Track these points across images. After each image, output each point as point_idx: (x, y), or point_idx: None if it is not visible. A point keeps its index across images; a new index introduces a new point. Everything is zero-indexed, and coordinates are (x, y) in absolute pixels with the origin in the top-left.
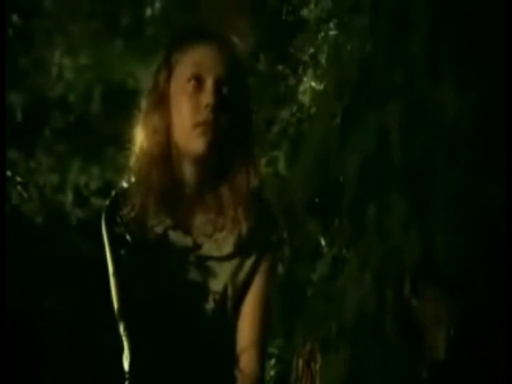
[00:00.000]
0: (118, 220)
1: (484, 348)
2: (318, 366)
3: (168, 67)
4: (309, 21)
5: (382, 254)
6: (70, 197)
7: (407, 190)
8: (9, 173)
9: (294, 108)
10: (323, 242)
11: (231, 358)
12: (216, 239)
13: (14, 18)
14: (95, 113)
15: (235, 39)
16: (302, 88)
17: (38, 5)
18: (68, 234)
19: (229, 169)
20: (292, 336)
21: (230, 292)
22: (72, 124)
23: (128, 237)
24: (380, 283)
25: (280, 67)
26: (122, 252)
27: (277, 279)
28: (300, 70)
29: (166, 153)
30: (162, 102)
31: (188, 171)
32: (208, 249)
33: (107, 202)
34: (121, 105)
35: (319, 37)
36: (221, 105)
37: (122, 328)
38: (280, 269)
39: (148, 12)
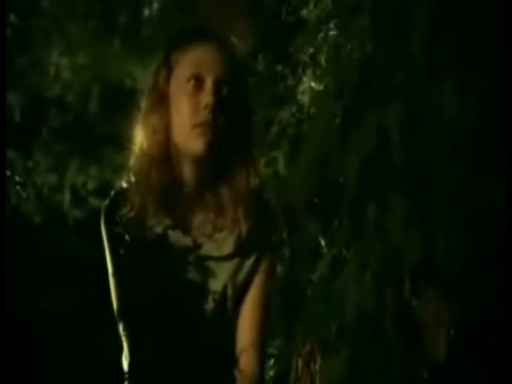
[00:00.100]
0: (118, 220)
1: (484, 348)
2: (317, 367)
3: (168, 67)
4: (308, 21)
5: (382, 254)
6: (67, 197)
7: (407, 190)
8: (8, 172)
9: (294, 108)
10: (323, 242)
11: (231, 358)
12: (216, 239)
13: (12, 17)
14: (93, 113)
15: (233, 39)
16: (301, 88)
17: (36, 4)
18: (65, 234)
19: (228, 169)
20: (292, 336)
21: (229, 292)
22: (70, 124)
23: (127, 237)
24: (380, 283)
25: (279, 67)
26: (122, 252)
27: (276, 279)
28: (299, 71)
29: (165, 153)
30: (161, 101)
31: (187, 171)
32: (208, 249)
33: (106, 202)
34: (118, 104)
35: (319, 37)
36: (220, 105)
37: (121, 328)
38: (280, 269)
39: (146, 12)
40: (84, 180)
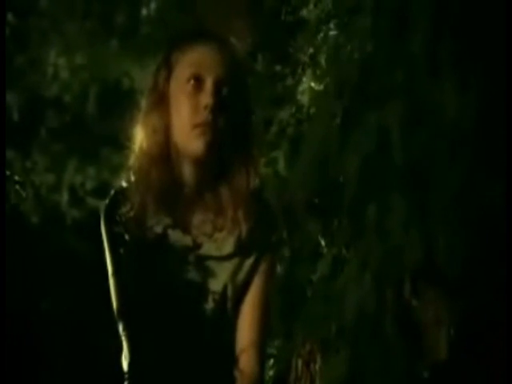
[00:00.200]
0: (118, 219)
1: (484, 348)
2: (317, 367)
3: (168, 67)
4: (308, 21)
5: (382, 254)
6: (65, 197)
7: (407, 190)
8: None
9: (293, 108)
10: (323, 242)
11: (231, 358)
12: (216, 239)
13: (10, 17)
14: (91, 113)
15: (232, 39)
16: (300, 88)
17: (34, 4)
18: (64, 234)
19: (228, 169)
20: (291, 336)
21: (229, 292)
22: (68, 124)
23: (127, 236)
24: (380, 283)
25: (278, 67)
26: (122, 251)
27: (276, 279)
28: (299, 71)
29: (165, 152)
30: (161, 101)
31: (187, 171)
32: (208, 248)
33: (106, 201)
34: (116, 104)
35: (319, 37)
36: (220, 105)
37: (121, 328)
38: (280, 269)
39: (144, 12)
40: (82, 180)
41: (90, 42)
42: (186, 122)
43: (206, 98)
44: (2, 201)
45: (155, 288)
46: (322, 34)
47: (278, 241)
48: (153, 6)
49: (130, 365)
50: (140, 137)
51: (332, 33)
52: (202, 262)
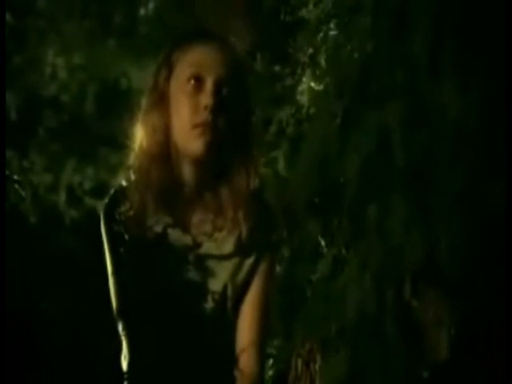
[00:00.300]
0: (117, 218)
1: (484, 348)
2: (317, 366)
3: (168, 67)
4: (308, 21)
5: (382, 254)
6: (63, 197)
7: (408, 191)
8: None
9: (293, 108)
10: (323, 242)
11: (231, 358)
12: (216, 238)
13: (8, 16)
14: (89, 112)
15: (231, 39)
16: (300, 88)
17: (32, 4)
18: (62, 234)
19: (228, 169)
20: (291, 336)
21: (229, 292)
22: (66, 123)
23: (127, 235)
24: (380, 284)
25: (278, 67)
26: (121, 250)
27: (276, 279)
28: (299, 71)
29: (165, 152)
30: (161, 101)
31: (187, 171)
32: (207, 247)
33: (106, 200)
34: (114, 104)
35: (318, 37)
36: (220, 106)
37: (120, 327)
38: (280, 269)
39: (142, 12)
40: (80, 180)
41: (88, 42)
42: (186, 122)
43: (206, 98)
44: (2, 201)
45: (155, 287)
46: (321, 34)
47: (278, 241)
48: (151, 5)
49: (129, 364)
50: (140, 136)
51: (332, 33)
52: (201, 262)
